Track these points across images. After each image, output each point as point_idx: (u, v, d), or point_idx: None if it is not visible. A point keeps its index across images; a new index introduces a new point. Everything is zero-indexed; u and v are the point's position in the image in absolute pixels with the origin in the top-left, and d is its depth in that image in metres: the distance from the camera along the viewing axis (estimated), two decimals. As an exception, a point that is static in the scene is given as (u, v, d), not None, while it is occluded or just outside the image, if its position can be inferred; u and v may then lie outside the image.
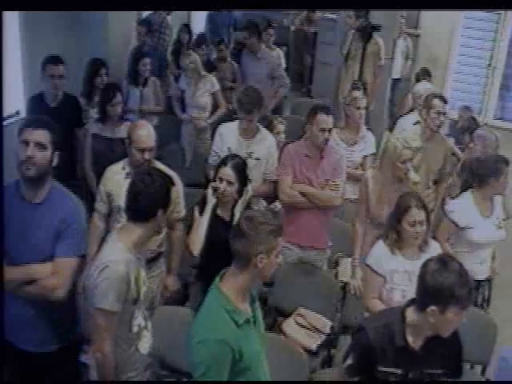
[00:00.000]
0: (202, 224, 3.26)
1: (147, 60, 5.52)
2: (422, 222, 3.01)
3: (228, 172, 3.25)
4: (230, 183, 3.25)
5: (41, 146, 2.48)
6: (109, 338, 2.43)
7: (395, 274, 3.08)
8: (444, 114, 4.44)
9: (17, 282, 2.46)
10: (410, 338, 2.31)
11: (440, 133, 4.65)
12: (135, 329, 2.55)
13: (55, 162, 2.56)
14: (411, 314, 2.30)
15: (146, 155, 3.32)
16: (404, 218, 3.02)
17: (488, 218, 3.69)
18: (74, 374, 2.82)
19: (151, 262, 3.38)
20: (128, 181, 3.30)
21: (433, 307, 2.18)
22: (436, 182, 4.59)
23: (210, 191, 3.29)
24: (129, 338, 2.54)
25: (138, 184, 2.51)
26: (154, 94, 5.60)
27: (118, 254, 2.43)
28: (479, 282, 3.78)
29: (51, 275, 2.49)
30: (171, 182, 2.62)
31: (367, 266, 3.18)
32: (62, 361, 2.71)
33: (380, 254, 3.15)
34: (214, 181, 3.31)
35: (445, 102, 4.45)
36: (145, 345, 2.62)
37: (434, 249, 3.12)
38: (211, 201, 3.28)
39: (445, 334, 2.27)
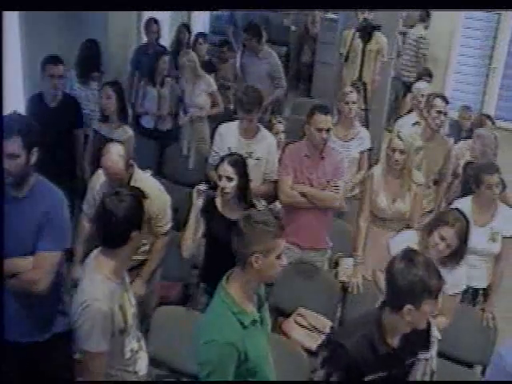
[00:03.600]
0: (189, 227, 3.27)
1: (166, 58, 5.47)
2: (449, 241, 2.98)
3: (226, 168, 3.26)
4: (229, 179, 3.25)
5: (13, 156, 2.45)
6: (99, 375, 2.35)
7: None
8: (445, 113, 4.44)
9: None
10: (389, 340, 2.30)
11: (440, 133, 4.66)
12: (128, 355, 2.47)
13: (34, 159, 2.53)
14: (386, 318, 2.27)
15: (115, 180, 3.26)
16: (436, 229, 3.02)
17: (481, 227, 3.64)
18: (64, 365, 2.78)
19: (135, 269, 3.37)
20: (109, 189, 3.30)
21: (409, 306, 2.17)
22: (436, 183, 4.59)
23: (194, 195, 3.30)
24: (124, 365, 2.47)
25: (105, 207, 2.30)
26: (170, 95, 5.54)
27: (98, 290, 2.28)
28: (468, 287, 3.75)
29: (32, 269, 2.48)
30: (143, 196, 2.44)
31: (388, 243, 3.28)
32: (50, 351, 2.70)
33: (407, 240, 3.14)
34: (208, 182, 3.32)
35: (446, 102, 4.46)
36: (141, 366, 2.57)
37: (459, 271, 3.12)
38: (196, 204, 3.27)
39: (421, 326, 2.28)
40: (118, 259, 2.35)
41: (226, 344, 2.12)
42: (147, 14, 6.42)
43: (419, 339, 2.41)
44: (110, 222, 2.28)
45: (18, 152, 2.46)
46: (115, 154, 3.25)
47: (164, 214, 3.41)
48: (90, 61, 5.08)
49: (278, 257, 2.21)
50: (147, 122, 5.57)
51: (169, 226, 3.48)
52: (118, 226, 2.28)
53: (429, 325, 2.48)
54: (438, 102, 4.41)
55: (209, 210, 3.34)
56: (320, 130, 3.65)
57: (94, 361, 2.31)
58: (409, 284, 2.15)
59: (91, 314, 2.24)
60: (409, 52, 8.19)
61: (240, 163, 3.33)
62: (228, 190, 3.26)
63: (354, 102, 4.56)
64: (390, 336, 2.30)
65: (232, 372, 2.16)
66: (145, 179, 3.39)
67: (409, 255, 2.26)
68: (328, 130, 3.68)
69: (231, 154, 3.41)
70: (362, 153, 4.64)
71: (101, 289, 2.28)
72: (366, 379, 2.30)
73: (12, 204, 2.51)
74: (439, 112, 4.39)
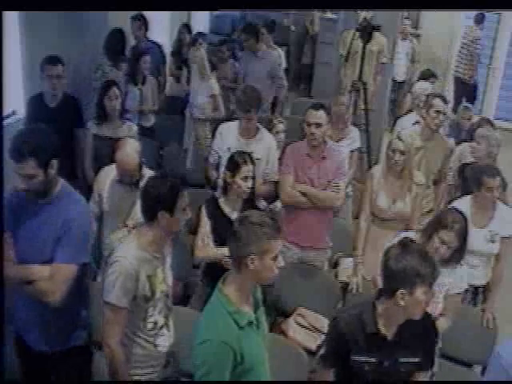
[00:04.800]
0: (201, 237, 3.34)
1: (147, 58, 5.54)
2: (450, 244, 2.98)
3: (250, 168, 3.37)
4: (251, 178, 3.38)
5: (30, 176, 2.41)
6: (115, 332, 2.44)
7: None
8: (444, 113, 4.44)
9: (16, 281, 2.46)
10: (381, 327, 2.35)
11: (440, 133, 4.65)
12: (150, 326, 2.55)
13: (54, 171, 2.49)
14: (381, 305, 2.35)
15: (128, 176, 3.33)
16: (435, 232, 3.02)
17: (480, 228, 3.63)
18: (75, 380, 2.80)
19: None
20: (118, 186, 3.43)
21: (402, 290, 2.23)
22: (436, 183, 4.59)
23: (204, 211, 3.35)
24: (144, 334, 2.55)
25: (146, 184, 2.54)
26: (151, 93, 5.61)
27: (128, 251, 2.45)
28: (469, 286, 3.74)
29: (47, 279, 2.45)
30: (183, 185, 2.57)
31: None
32: (63, 364, 2.70)
33: None
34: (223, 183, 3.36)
35: (445, 101, 4.46)
36: (163, 343, 2.62)
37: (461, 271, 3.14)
38: (206, 220, 3.35)
39: (416, 316, 2.31)
40: (152, 234, 2.50)
41: (222, 344, 2.12)
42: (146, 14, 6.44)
43: (420, 342, 2.41)
44: (143, 197, 2.50)
45: (33, 173, 2.42)
46: (132, 150, 3.31)
47: None
48: (118, 46, 5.54)
49: (274, 258, 2.18)
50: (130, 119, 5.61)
51: None
52: (147, 202, 2.49)
53: (434, 331, 2.49)
54: (437, 101, 4.41)
55: (213, 210, 3.36)
56: (308, 124, 3.66)
57: (112, 314, 2.43)
58: (401, 268, 2.23)
59: (117, 268, 2.41)
60: (465, 52, 8.74)
61: (254, 162, 3.45)
62: (249, 189, 3.35)
63: (343, 115, 4.60)
64: (383, 323, 2.34)
65: (228, 373, 2.16)
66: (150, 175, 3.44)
67: (404, 242, 2.35)
68: (318, 126, 3.66)
69: (247, 154, 3.46)
70: (352, 152, 4.67)
71: (132, 252, 2.45)
72: (354, 358, 2.35)
73: (37, 209, 2.51)
74: (438, 112, 4.39)
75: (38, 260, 2.49)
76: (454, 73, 8.95)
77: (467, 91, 8.84)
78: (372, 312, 2.35)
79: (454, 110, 7.91)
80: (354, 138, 4.71)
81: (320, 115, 3.66)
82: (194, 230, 3.52)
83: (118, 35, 5.58)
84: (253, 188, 3.41)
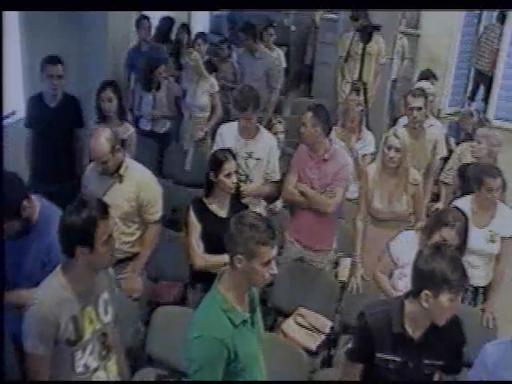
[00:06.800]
0: (193, 245, 3.29)
1: (162, 68, 5.52)
2: (451, 241, 2.97)
3: (233, 165, 3.32)
4: (235, 173, 3.33)
5: (9, 226, 2.36)
6: (39, 377, 2.25)
7: (408, 267, 3.10)
8: (418, 108, 4.37)
9: (8, 306, 2.34)
10: (408, 328, 2.34)
11: (426, 129, 4.61)
12: (81, 369, 2.32)
13: (29, 207, 2.48)
14: (409, 305, 2.34)
15: (100, 165, 3.31)
16: (436, 230, 3.02)
17: (480, 228, 3.64)
18: None
19: (122, 262, 3.37)
20: (98, 177, 3.40)
21: (426, 291, 2.22)
22: (424, 177, 4.58)
23: (193, 217, 3.29)
24: (74, 378, 2.33)
25: (62, 215, 2.24)
26: (166, 98, 5.58)
27: (47, 293, 2.22)
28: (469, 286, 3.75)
29: None
30: (103, 213, 2.22)
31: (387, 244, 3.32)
32: None
33: (406, 241, 3.20)
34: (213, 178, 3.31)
35: (420, 96, 4.40)
36: None
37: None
38: (196, 227, 3.28)
39: (440, 321, 2.30)
40: (74, 271, 2.25)
41: (215, 340, 2.12)
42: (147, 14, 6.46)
43: (446, 347, 2.40)
44: (58, 230, 2.22)
45: (10, 223, 2.38)
46: (102, 137, 3.28)
47: (155, 201, 3.43)
48: (166, 31, 6.95)
49: (265, 264, 2.15)
50: (144, 125, 5.60)
51: (159, 214, 3.48)
52: (63, 235, 2.21)
53: (462, 336, 2.48)
54: (409, 98, 4.39)
55: (200, 210, 3.34)
56: (300, 124, 3.70)
57: (32, 363, 2.24)
58: (429, 270, 2.22)
59: (31, 313, 2.19)
60: (488, 47, 9.16)
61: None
62: (234, 185, 3.32)
63: (352, 112, 4.63)
64: (410, 324, 2.34)
65: (221, 370, 2.16)
66: (135, 166, 3.43)
67: (439, 245, 2.36)
68: (304, 125, 3.67)
69: (227, 150, 3.43)
70: (364, 156, 4.67)
71: (50, 293, 2.22)
72: (379, 356, 2.35)
73: (19, 239, 2.49)
74: (411, 109, 4.37)
75: (27, 285, 2.44)
76: (475, 65, 9.40)
77: (486, 82, 9.40)
78: (400, 311, 2.35)
79: (471, 98, 9.49)
80: (367, 142, 4.72)
81: (307, 115, 3.67)
82: (183, 229, 3.49)
83: (168, 22, 6.94)
84: (237, 183, 3.38)
